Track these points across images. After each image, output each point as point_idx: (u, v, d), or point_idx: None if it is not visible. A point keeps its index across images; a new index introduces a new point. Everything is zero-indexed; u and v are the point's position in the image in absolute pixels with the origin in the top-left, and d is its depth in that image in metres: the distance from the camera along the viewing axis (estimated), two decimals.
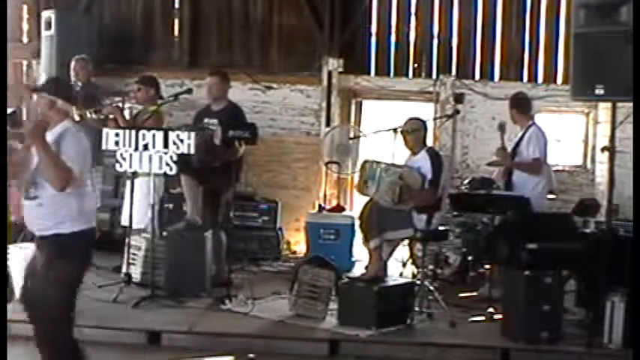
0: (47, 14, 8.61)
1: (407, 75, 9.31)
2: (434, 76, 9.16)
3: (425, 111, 8.78)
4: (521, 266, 5.66)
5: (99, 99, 7.35)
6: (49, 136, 4.11)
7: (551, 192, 7.32)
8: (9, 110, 7.30)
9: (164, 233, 6.87)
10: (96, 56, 8.20)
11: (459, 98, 8.97)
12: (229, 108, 6.98)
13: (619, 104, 6.07)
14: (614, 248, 5.62)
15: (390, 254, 6.38)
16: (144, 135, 6.28)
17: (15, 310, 5.64)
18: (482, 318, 6.16)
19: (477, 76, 9.21)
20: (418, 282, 6.29)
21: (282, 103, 9.22)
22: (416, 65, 9.26)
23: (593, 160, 9.05)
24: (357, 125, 9.30)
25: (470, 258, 7.39)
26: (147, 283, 6.49)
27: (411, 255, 6.93)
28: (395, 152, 6.43)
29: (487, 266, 6.93)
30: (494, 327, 5.92)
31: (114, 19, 9.45)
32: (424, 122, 6.56)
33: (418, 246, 6.66)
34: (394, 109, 9.21)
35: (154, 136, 6.27)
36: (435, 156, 6.33)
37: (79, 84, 7.37)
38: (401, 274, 6.88)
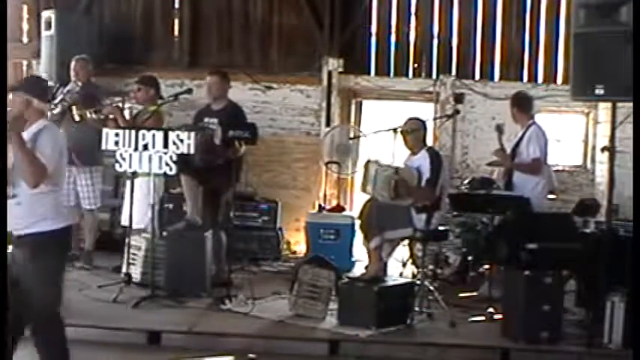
0: (47, 14, 8.61)
1: (407, 75, 9.30)
2: (434, 76, 9.16)
3: (425, 111, 8.77)
4: (521, 266, 5.66)
5: (99, 99, 7.34)
6: (26, 135, 4.14)
7: (551, 192, 7.32)
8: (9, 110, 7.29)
9: (164, 233, 6.87)
10: (96, 56, 8.19)
11: (459, 98, 8.97)
12: (229, 108, 6.99)
13: (619, 104, 6.07)
14: (614, 248, 5.62)
15: (390, 254, 6.38)
16: (144, 135, 6.28)
17: None
18: (482, 318, 6.16)
19: (477, 76, 9.21)
20: (418, 282, 6.29)
21: (282, 103, 9.22)
22: (416, 65, 9.26)
23: (593, 160, 9.05)
24: (357, 125, 9.30)
25: (470, 258, 7.39)
26: (147, 283, 6.49)
27: (411, 255, 6.92)
28: (395, 152, 6.44)
29: (487, 266, 6.93)
30: (494, 327, 5.92)
31: (114, 19, 9.44)
32: (424, 122, 6.57)
33: (418, 246, 6.66)
34: (394, 109, 9.20)
35: (153, 136, 6.27)
36: (434, 155, 6.33)
37: (79, 84, 7.35)
38: (401, 274, 6.88)
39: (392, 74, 9.33)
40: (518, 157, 6.98)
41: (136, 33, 9.44)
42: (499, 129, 7.06)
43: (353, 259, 8.01)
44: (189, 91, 7.12)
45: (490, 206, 6.65)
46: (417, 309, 6.10)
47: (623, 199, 7.20)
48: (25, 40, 9.43)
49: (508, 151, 7.04)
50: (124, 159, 6.32)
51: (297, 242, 8.90)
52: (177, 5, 9.47)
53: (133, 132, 6.30)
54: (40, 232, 4.16)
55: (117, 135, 6.33)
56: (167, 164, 6.28)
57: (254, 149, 7.26)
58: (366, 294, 5.85)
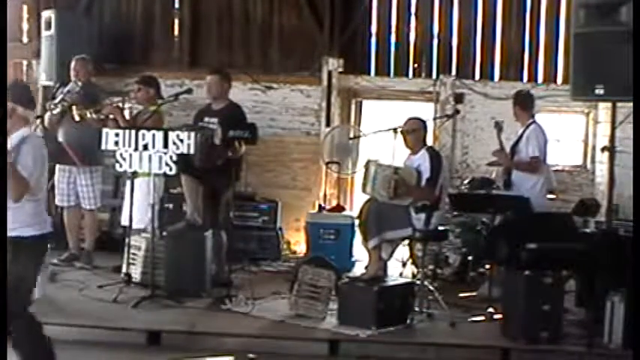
0: (47, 14, 8.61)
1: (407, 75, 9.30)
2: (434, 76, 9.15)
3: (425, 111, 8.76)
4: (521, 266, 5.66)
5: (99, 99, 7.34)
6: (9, 143, 4.18)
7: (550, 192, 7.32)
8: None
9: (164, 233, 6.87)
10: (96, 56, 8.19)
11: (459, 98, 8.97)
12: (230, 107, 6.98)
13: (619, 104, 6.08)
14: (614, 248, 5.63)
15: (390, 254, 6.38)
16: (144, 135, 6.28)
17: None
18: (482, 318, 6.15)
19: (477, 76, 9.20)
20: (418, 282, 6.29)
21: (282, 103, 9.22)
22: (416, 65, 9.26)
23: (593, 160, 9.04)
24: (357, 125, 9.30)
25: (470, 258, 7.39)
26: (147, 283, 6.49)
27: (411, 255, 6.92)
28: (395, 152, 6.44)
29: (487, 266, 6.93)
30: (494, 327, 5.92)
31: (114, 19, 9.44)
32: (424, 122, 6.57)
33: (418, 246, 6.66)
34: (394, 109, 9.20)
35: (153, 136, 6.27)
36: (434, 155, 6.33)
37: (79, 84, 7.35)
38: (401, 274, 6.88)
39: (392, 74, 9.32)
40: (517, 156, 6.99)
41: (136, 33, 9.44)
42: (498, 126, 7.07)
43: (353, 259, 8.01)
44: (189, 91, 7.12)
45: (490, 206, 6.65)
46: (417, 309, 6.10)
47: (623, 199, 7.21)
48: (25, 40, 9.42)
49: (507, 149, 7.04)
50: (124, 159, 6.32)
51: (297, 242, 8.89)
52: (177, 5, 9.46)
53: (133, 132, 6.30)
54: (20, 236, 4.25)
55: (117, 135, 6.33)
56: (167, 164, 6.28)
57: (254, 149, 7.26)
58: (366, 294, 5.85)
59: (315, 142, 9.02)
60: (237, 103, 7.11)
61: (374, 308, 5.78)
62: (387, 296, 5.88)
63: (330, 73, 9.03)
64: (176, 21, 9.47)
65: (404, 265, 7.02)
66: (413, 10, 9.27)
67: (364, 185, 6.33)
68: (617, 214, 7.26)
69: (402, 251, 6.93)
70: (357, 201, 8.71)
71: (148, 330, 5.63)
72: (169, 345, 5.56)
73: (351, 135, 8.47)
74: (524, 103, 7.10)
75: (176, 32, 9.47)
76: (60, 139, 7.37)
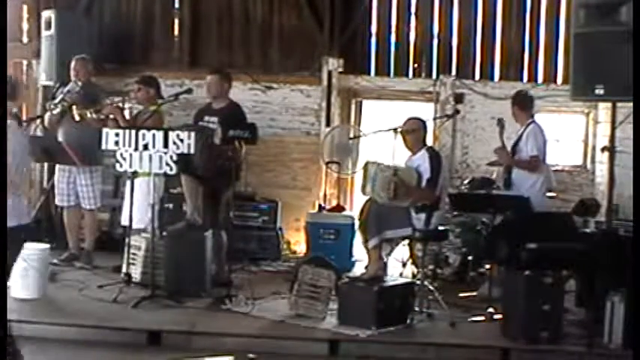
0: (47, 14, 8.60)
1: (407, 75, 9.30)
2: (434, 76, 9.15)
3: (425, 111, 8.76)
4: (521, 266, 5.66)
5: (99, 99, 7.34)
6: None
7: (549, 190, 7.32)
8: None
9: (164, 233, 6.87)
10: (96, 56, 8.18)
11: (459, 98, 8.97)
12: (230, 107, 6.99)
13: (619, 104, 6.08)
14: (614, 248, 5.63)
15: (390, 254, 6.38)
16: (144, 135, 6.28)
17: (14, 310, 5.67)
18: (482, 318, 6.15)
19: (477, 76, 9.20)
20: (418, 282, 6.29)
21: (282, 103, 9.22)
22: (416, 65, 9.26)
23: (593, 160, 9.04)
24: (357, 125, 9.30)
25: (470, 258, 7.39)
26: (147, 283, 6.49)
27: (411, 255, 6.92)
28: (395, 152, 6.44)
29: (487, 266, 6.93)
30: (494, 327, 5.92)
31: (114, 19, 9.43)
32: (424, 122, 6.56)
33: (418, 246, 6.66)
34: (394, 109, 9.20)
35: (154, 136, 6.26)
36: (434, 155, 6.33)
37: (79, 84, 7.35)
38: (401, 274, 6.87)
39: (392, 74, 9.32)
40: (517, 155, 7.00)
41: (136, 33, 9.43)
42: (500, 123, 7.07)
43: (353, 259, 8.01)
44: (189, 91, 7.12)
45: (490, 206, 6.65)
46: (417, 309, 6.10)
47: (623, 199, 7.21)
48: (25, 40, 9.41)
49: (508, 148, 7.05)
50: (124, 159, 6.31)
51: (297, 242, 8.89)
52: (177, 5, 9.46)
53: (133, 132, 6.30)
54: None
55: (117, 135, 6.32)
56: (167, 164, 6.28)
57: (254, 149, 7.27)
58: (366, 294, 5.85)
59: (315, 142, 9.02)
60: (238, 103, 7.12)
61: (374, 308, 5.78)
62: (387, 296, 5.88)
63: (330, 73, 9.03)
64: (176, 21, 9.47)
65: (404, 265, 7.02)
66: (413, 10, 9.27)
67: (364, 186, 6.32)
68: (617, 214, 7.26)
69: (402, 251, 6.93)
70: (357, 201, 8.71)
71: (148, 330, 5.63)
72: (169, 345, 5.56)
73: (351, 135, 8.47)
74: (522, 104, 7.11)
75: (176, 32, 9.47)
76: (60, 139, 7.36)
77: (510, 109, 7.18)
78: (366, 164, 6.35)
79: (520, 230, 5.94)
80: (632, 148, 6.18)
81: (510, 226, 6.18)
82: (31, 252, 6.27)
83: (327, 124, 8.98)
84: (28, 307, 5.98)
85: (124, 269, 6.75)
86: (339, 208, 8.54)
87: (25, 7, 9.38)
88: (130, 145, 6.28)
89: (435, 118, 8.39)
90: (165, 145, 6.25)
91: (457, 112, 8.29)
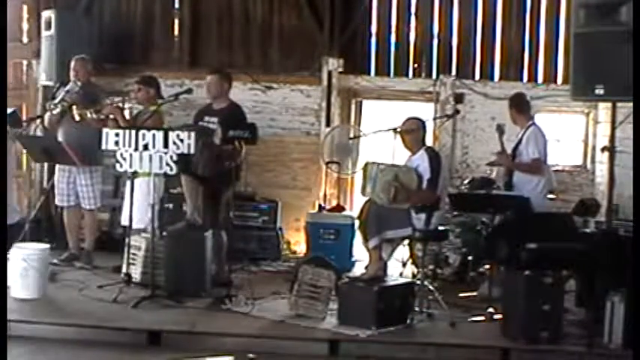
0: (47, 14, 8.60)
1: (407, 75, 9.30)
2: (434, 76, 9.16)
3: (425, 111, 8.77)
4: (521, 266, 5.66)
5: (99, 99, 7.34)
6: None
7: (550, 192, 7.32)
8: (9, 110, 7.29)
9: (164, 233, 6.87)
10: (96, 56, 8.19)
11: (459, 98, 8.97)
12: (230, 107, 6.98)
13: (619, 104, 6.07)
14: (614, 248, 5.63)
15: (390, 254, 6.38)
16: (144, 135, 6.27)
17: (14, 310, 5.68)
18: (482, 318, 6.15)
19: (477, 76, 9.20)
20: (418, 282, 6.29)
21: (282, 103, 9.22)
22: (416, 65, 9.26)
23: (593, 160, 9.05)
24: (357, 125, 9.30)
25: (470, 258, 7.39)
26: (147, 283, 6.49)
27: (411, 255, 6.92)
28: (395, 152, 6.43)
29: (487, 266, 6.93)
30: (494, 327, 5.91)
31: (114, 19, 9.43)
32: (423, 122, 6.55)
33: (418, 246, 6.65)
34: (394, 109, 9.20)
35: (154, 136, 6.26)
36: (433, 156, 6.32)
37: (79, 84, 7.35)
38: (401, 274, 6.88)
39: (392, 74, 9.32)
40: (518, 158, 6.99)
41: (136, 33, 9.43)
42: (500, 129, 7.05)
43: (353, 259, 8.01)
44: (189, 91, 7.11)
45: (490, 206, 6.65)
46: (417, 309, 6.10)
47: (623, 199, 7.21)
48: (25, 40, 9.41)
49: (509, 151, 7.04)
50: (124, 159, 6.31)
51: (297, 242, 8.89)
52: (177, 5, 9.46)
53: (133, 132, 6.30)
54: None
55: (117, 135, 6.32)
56: (167, 164, 6.28)
57: (254, 149, 7.27)
58: (366, 294, 5.85)
59: (315, 142, 9.02)
60: (238, 103, 7.11)
61: (374, 308, 5.78)
62: (387, 296, 5.88)
63: (330, 73, 9.03)
64: (176, 21, 9.47)
65: (404, 265, 7.02)
66: (413, 10, 9.27)
67: (364, 187, 6.32)
68: (617, 214, 7.26)
69: (402, 251, 6.93)
70: (357, 201, 8.71)
71: (148, 330, 5.62)
72: (169, 345, 5.56)
73: (351, 135, 8.48)
74: (519, 106, 7.10)
75: (176, 32, 9.47)
76: (60, 139, 7.36)
77: (508, 112, 7.18)
78: (366, 165, 6.35)
79: (520, 230, 5.94)
80: (632, 148, 6.19)
81: (510, 226, 6.18)
82: (31, 252, 6.29)
83: (327, 124, 8.98)
84: (28, 307, 5.98)
85: (124, 269, 6.75)
86: (339, 208, 8.54)
87: (25, 7, 9.38)
88: (130, 145, 6.28)
89: (435, 118, 8.39)
90: (166, 146, 6.25)
91: (457, 112, 8.29)
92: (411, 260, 6.95)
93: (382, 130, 6.67)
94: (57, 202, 7.67)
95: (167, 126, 6.91)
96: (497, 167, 7.34)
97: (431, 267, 7.11)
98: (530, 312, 5.60)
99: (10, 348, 4.60)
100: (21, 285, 6.18)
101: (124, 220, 7.00)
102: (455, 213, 7.42)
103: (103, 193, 7.93)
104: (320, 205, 8.54)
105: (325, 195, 8.83)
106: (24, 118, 8.43)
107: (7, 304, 5.43)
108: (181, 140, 6.24)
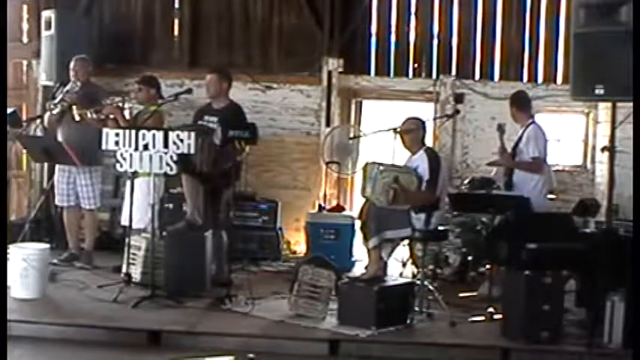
0: (47, 14, 8.60)
1: (407, 75, 9.30)
2: (434, 76, 9.16)
3: (425, 111, 8.77)
4: (521, 266, 5.66)
5: (99, 99, 7.34)
6: None
7: (551, 192, 7.32)
8: (9, 110, 7.30)
9: (164, 233, 6.87)
10: (96, 56, 8.19)
11: (459, 98, 8.98)
12: (230, 107, 6.98)
13: (619, 104, 6.07)
14: (614, 248, 5.62)
15: (390, 254, 6.38)
16: (144, 135, 6.27)
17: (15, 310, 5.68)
18: (482, 318, 6.15)
19: (477, 76, 9.21)
20: (418, 282, 6.29)
21: (282, 103, 9.22)
22: (416, 65, 9.26)
23: (593, 160, 9.05)
24: (357, 125, 9.30)
25: (470, 258, 7.39)
26: (147, 283, 6.49)
27: (411, 255, 6.92)
28: (395, 152, 6.43)
29: (487, 266, 6.93)
30: (494, 327, 5.91)
31: (114, 19, 9.43)
32: (422, 122, 6.54)
33: (418, 246, 6.66)
34: (394, 109, 9.20)
35: (154, 136, 6.26)
36: (432, 156, 6.32)
37: (79, 84, 7.35)
38: (401, 274, 6.88)
39: (392, 74, 9.33)
40: (518, 156, 7.00)
41: (136, 33, 9.43)
42: (500, 129, 7.07)
43: (353, 259, 8.01)
44: (189, 91, 7.12)
45: (490, 206, 6.65)
46: (417, 309, 6.10)
47: (623, 199, 7.21)
48: (25, 40, 9.41)
49: (509, 150, 7.04)
50: (124, 159, 6.31)
51: (297, 242, 8.89)
52: (177, 5, 9.46)
53: (133, 132, 6.29)
54: None
55: (117, 135, 6.31)
56: (167, 164, 6.28)
57: (254, 149, 7.25)
58: (366, 294, 5.85)
59: (315, 142, 9.02)
60: (238, 103, 7.11)
61: (374, 308, 5.77)
62: (387, 296, 5.88)
63: (330, 73, 9.03)
64: (176, 21, 9.47)
65: (404, 265, 7.02)
66: (413, 10, 9.28)
67: (363, 188, 6.31)
68: (617, 214, 7.26)
69: (402, 251, 6.93)
70: (357, 201, 8.70)
71: (148, 330, 5.62)
72: (169, 345, 5.56)
73: (351, 135, 8.47)
74: (520, 105, 7.11)
75: (176, 32, 9.47)
76: (60, 139, 7.36)
77: (509, 110, 7.18)
78: (366, 165, 6.34)
79: (520, 230, 5.93)
80: (632, 148, 6.18)
81: (510, 226, 6.17)
82: (31, 252, 6.29)
83: (327, 124, 8.99)
84: (28, 307, 5.98)
85: (124, 269, 6.75)
86: (339, 208, 8.54)
87: (25, 7, 9.38)
88: (130, 145, 6.27)
89: (435, 118, 8.40)
90: (166, 145, 6.24)
91: (457, 112, 8.29)
92: (411, 260, 6.96)
93: (382, 130, 6.67)
94: (57, 202, 7.67)
95: (167, 126, 6.91)
96: (497, 167, 7.34)
97: (431, 267, 7.11)
98: (530, 312, 5.59)
99: (10, 348, 4.61)
100: (21, 285, 6.18)
101: (124, 220, 7.00)
102: (455, 213, 7.42)
103: (103, 193, 7.94)
104: (320, 205, 8.55)
105: (325, 195, 8.83)
106: (24, 118, 8.46)
107: (7, 304, 5.45)
108: (181, 140, 6.23)
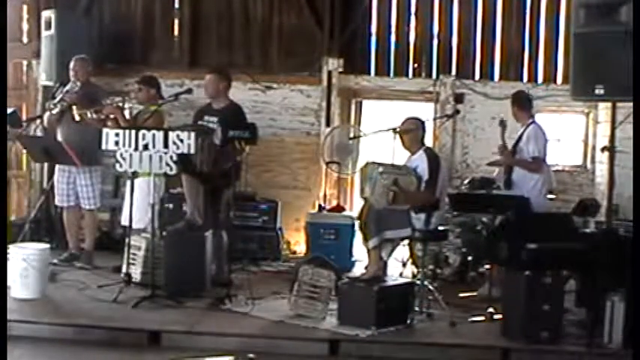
0: (47, 14, 8.60)
1: (407, 75, 9.31)
2: (434, 76, 9.16)
3: (425, 111, 8.78)
4: (521, 266, 5.66)
5: (99, 99, 7.34)
6: None
7: (550, 192, 7.32)
8: (9, 110, 7.30)
9: (164, 233, 6.87)
10: (96, 56, 8.19)
11: (459, 98, 8.98)
12: (230, 107, 6.98)
13: (619, 104, 6.07)
14: (614, 248, 5.62)
15: (390, 254, 6.37)
16: (144, 135, 6.27)
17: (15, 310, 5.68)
18: (482, 318, 6.15)
19: (477, 76, 9.21)
20: (418, 282, 6.29)
21: (282, 103, 9.22)
22: (416, 65, 9.26)
23: (593, 160, 9.05)
24: (357, 125, 9.30)
25: (470, 258, 7.39)
26: (147, 283, 6.48)
27: (411, 255, 6.92)
28: (395, 152, 6.43)
29: (487, 266, 6.93)
30: (494, 327, 5.92)
31: (114, 19, 9.44)
32: (422, 122, 6.54)
33: (418, 246, 6.65)
34: (394, 109, 9.20)
35: (154, 136, 6.26)
36: (432, 156, 6.31)
37: (79, 84, 7.35)
38: (401, 274, 6.88)
39: (392, 74, 9.33)
40: (518, 155, 7.01)
41: (136, 33, 9.43)
42: (502, 124, 7.08)
43: (353, 259, 8.02)
44: (189, 91, 7.11)
45: (490, 206, 6.65)
46: (417, 309, 6.10)
47: (623, 199, 7.21)
48: (25, 40, 9.42)
49: (510, 147, 7.05)
50: (124, 159, 6.30)
51: (297, 242, 8.90)
52: (177, 5, 9.46)
53: (133, 132, 6.29)
54: None
55: (117, 135, 6.31)
56: (167, 164, 6.27)
57: (254, 149, 7.26)
58: (366, 294, 5.84)
59: (315, 142, 9.02)
60: (238, 103, 7.11)
61: (374, 308, 5.77)
62: (387, 296, 5.88)
63: (330, 73, 9.04)
64: (176, 21, 9.48)
65: (404, 265, 7.02)
66: (413, 10, 9.28)
67: (362, 189, 6.31)
68: (617, 214, 7.27)
69: (402, 251, 6.93)
70: (357, 201, 8.70)
71: (148, 330, 5.62)
72: (169, 345, 5.56)
73: (351, 135, 8.47)
74: (521, 104, 7.12)
75: (176, 32, 9.48)
76: (60, 139, 7.36)
77: (510, 109, 7.19)
78: (366, 165, 6.34)
79: (520, 230, 5.93)
80: (632, 148, 6.18)
81: (510, 227, 6.18)
82: (31, 252, 6.29)
83: (327, 124, 8.99)
84: (28, 307, 5.98)
85: (124, 269, 6.75)
86: (339, 208, 8.55)
87: (25, 7, 9.38)
88: (130, 145, 6.27)
89: (435, 118, 8.41)
90: (166, 145, 6.24)
91: (457, 112, 8.29)
92: (411, 260, 6.96)
93: (382, 130, 6.67)
94: (57, 202, 7.67)
95: (167, 126, 6.91)
96: (497, 167, 7.34)
97: (431, 267, 7.11)
98: (530, 312, 5.59)
99: (10, 348, 4.61)
100: (21, 285, 6.18)
101: (124, 220, 7.00)
102: (455, 213, 7.42)
103: (103, 193, 7.93)
104: (320, 205, 8.55)
105: (325, 195, 8.83)
106: (24, 118, 8.46)
107: (7, 304, 5.45)
108: (181, 140, 6.23)
